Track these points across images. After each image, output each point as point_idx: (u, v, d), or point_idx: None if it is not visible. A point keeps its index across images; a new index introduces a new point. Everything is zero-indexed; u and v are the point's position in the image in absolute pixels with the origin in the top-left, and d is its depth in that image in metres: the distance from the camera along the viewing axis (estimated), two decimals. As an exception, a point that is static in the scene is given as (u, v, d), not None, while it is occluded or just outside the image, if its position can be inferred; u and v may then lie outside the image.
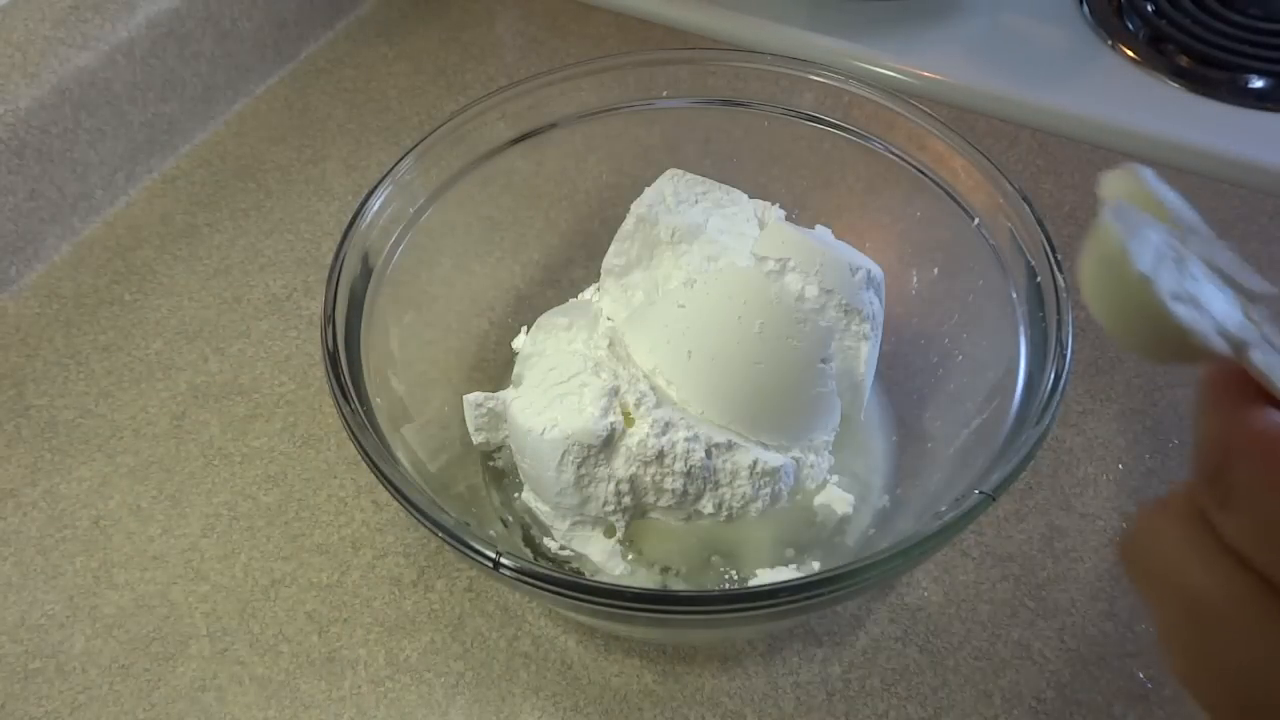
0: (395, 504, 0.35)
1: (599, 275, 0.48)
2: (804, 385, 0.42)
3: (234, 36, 0.67)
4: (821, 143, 0.48)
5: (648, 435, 0.40)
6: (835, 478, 0.45)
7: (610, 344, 0.43)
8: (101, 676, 0.44)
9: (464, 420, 0.45)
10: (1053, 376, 0.36)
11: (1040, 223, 0.40)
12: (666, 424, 0.41)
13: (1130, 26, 0.69)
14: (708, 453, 0.41)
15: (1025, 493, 0.48)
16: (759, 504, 0.42)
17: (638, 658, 0.43)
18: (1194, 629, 0.21)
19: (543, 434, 0.41)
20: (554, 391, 0.42)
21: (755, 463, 0.41)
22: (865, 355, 0.46)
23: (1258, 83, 0.64)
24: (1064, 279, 0.38)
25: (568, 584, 0.33)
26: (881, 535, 0.44)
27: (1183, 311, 0.21)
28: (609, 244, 0.47)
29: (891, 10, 0.71)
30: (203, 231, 0.61)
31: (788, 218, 0.48)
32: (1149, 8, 0.69)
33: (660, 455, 0.41)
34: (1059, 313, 0.38)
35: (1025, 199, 0.41)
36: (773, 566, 0.43)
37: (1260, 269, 0.60)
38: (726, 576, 0.43)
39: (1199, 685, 0.22)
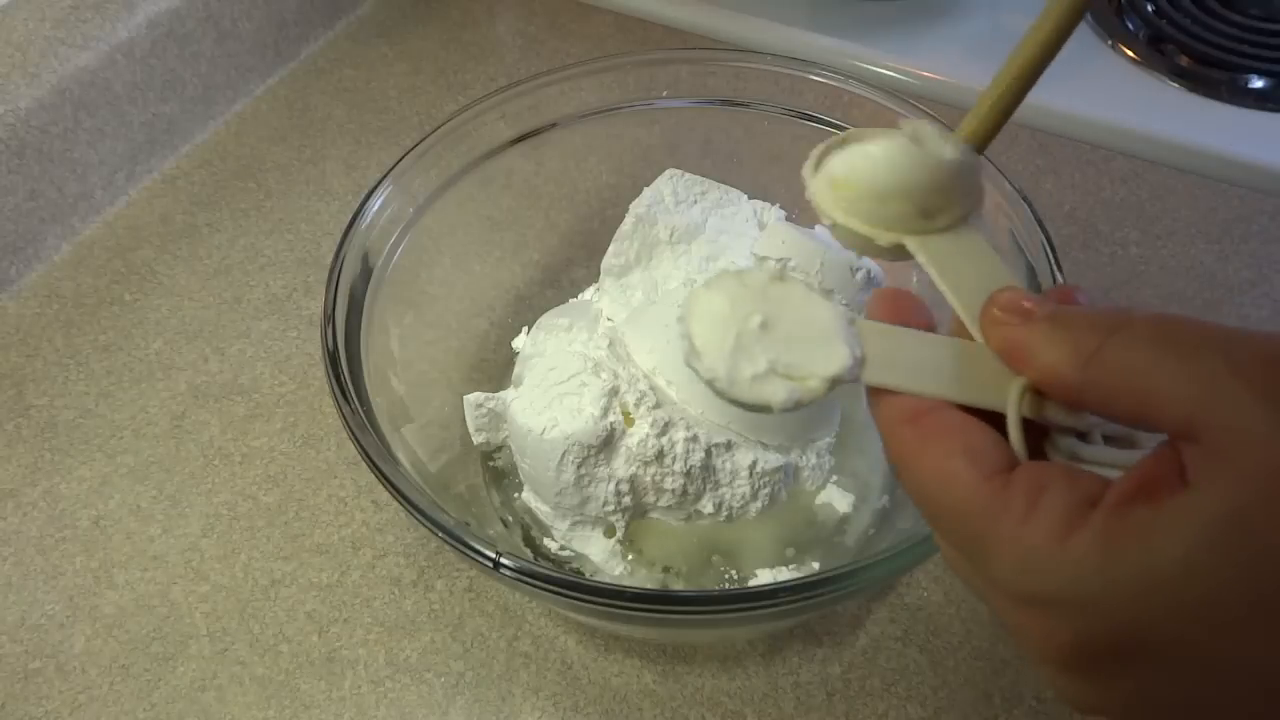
0: (395, 504, 0.35)
1: (599, 275, 0.48)
2: (804, 385, 0.42)
3: (234, 36, 0.67)
4: (821, 143, 0.48)
5: (648, 435, 0.40)
6: (835, 478, 0.45)
7: (610, 344, 0.43)
8: (101, 676, 0.44)
9: (464, 420, 0.45)
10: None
11: (1040, 223, 0.40)
12: (666, 424, 0.41)
13: (1130, 26, 0.69)
14: (708, 453, 0.41)
15: (1025, 493, 0.48)
16: (759, 504, 0.42)
17: (638, 658, 0.43)
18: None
19: (543, 434, 0.41)
20: (554, 391, 0.42)
21: (755, 463, 0.41)
22: (865, 355, 0.46)
23: (1258, 83, 0.64)
24: (1064, 279, 0.38)
25: (568, 584, 0.33)
26: (881, 535, 0.44)
27: (761, 391, 0.24)
28: (609, 244, 0.47)
29: (891, 10, 0.71)
30: (203, 231, 0.61)
31: (788, 218, 0.48)
32: (1149, 8, 0.69)
33: (660, 455, 0.41)
34: (1059, 313, 0.38)
35: (1025, 199, 0.41)
36: (773, 566, 0.43)
37: (1260, 270, 0.60)
38: (726, 576, 0.43)
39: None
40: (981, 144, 0.28)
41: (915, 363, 0.25)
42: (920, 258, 0.27)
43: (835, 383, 0.24)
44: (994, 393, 0.24)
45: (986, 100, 0.28)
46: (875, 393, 0.25)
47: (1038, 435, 0.25)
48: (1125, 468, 0.23)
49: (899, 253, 0.28)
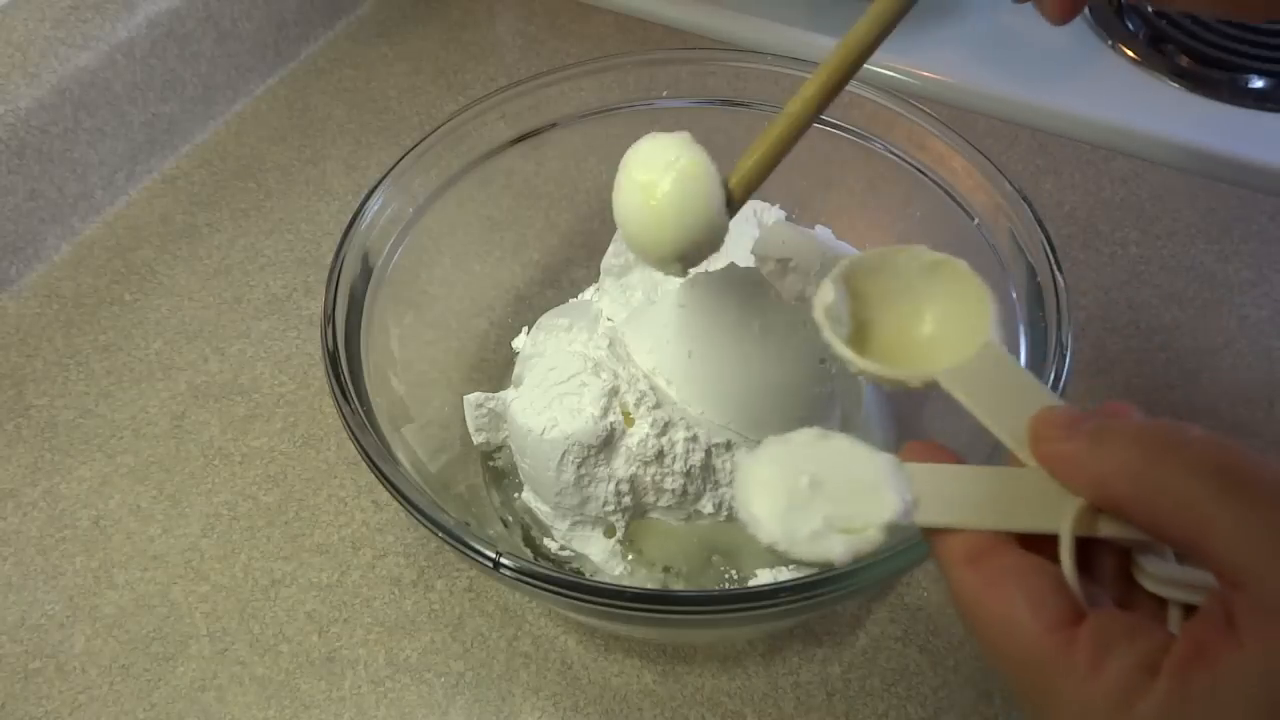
0: (395, 504, 0.35)
1: (599, 275, 0.48)
2: (803, 385, 0.42)
3: (234, 36, 0.67)
4: (821, 143, 0.48)
5: (648, 435, 0.40)
6: (835, 478, 0.45)
7: (610, 344, 0.43)
8: (101, 676, 0.44)
9: (464, 420, 0.45)
10: (1053, 376, 0.36)
11: (1040, 223, 0.40)
12: (666, 424, 0.41)
13: (1130, 26, 0.69)
14: (707, 452, 0.41)
15: (1025, 493, 0.48)
16: (759, 504, 0.42)
17: (638, 658, 0.43)
18: None
19: (543, 434, 0.41)
20: (554, 392, 0.42)
21: (755, 463, 0.41)
22: (865, 355, 0.46)
23: (1258, 83, 0.64)
24: (1064, 279, 0.38)
25: (568, 584, 0.33)
26: (881, 535, 0.44)
27: (820, 548, 0.25)
28: (609, 244, 0.47)
29: (891, 10, 0.71)
30: (203, 231, 0.61)
31: (788, 218, 0.48)
32: (1149, 8, 0.69)
33: (660, 455, 0.41)
34: (1059, 313, 0.38)
35: (1025, 199, 0.41)
36: (773, 566, 0.43)
37: (1260, 270, 0.60)
38: (726, 576, 0.43)
39: None
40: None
41: (966, 497, 0.26)
42: (955, 393, 0.28)
43: (892, 528, 0.25)
44: (1047, 518, 0.24)
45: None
46: (933, 533, 0.26)
47: (1121, 555, 0.25)
48: (1195, 587, 0.23)
49: (930, 387, 0.28)
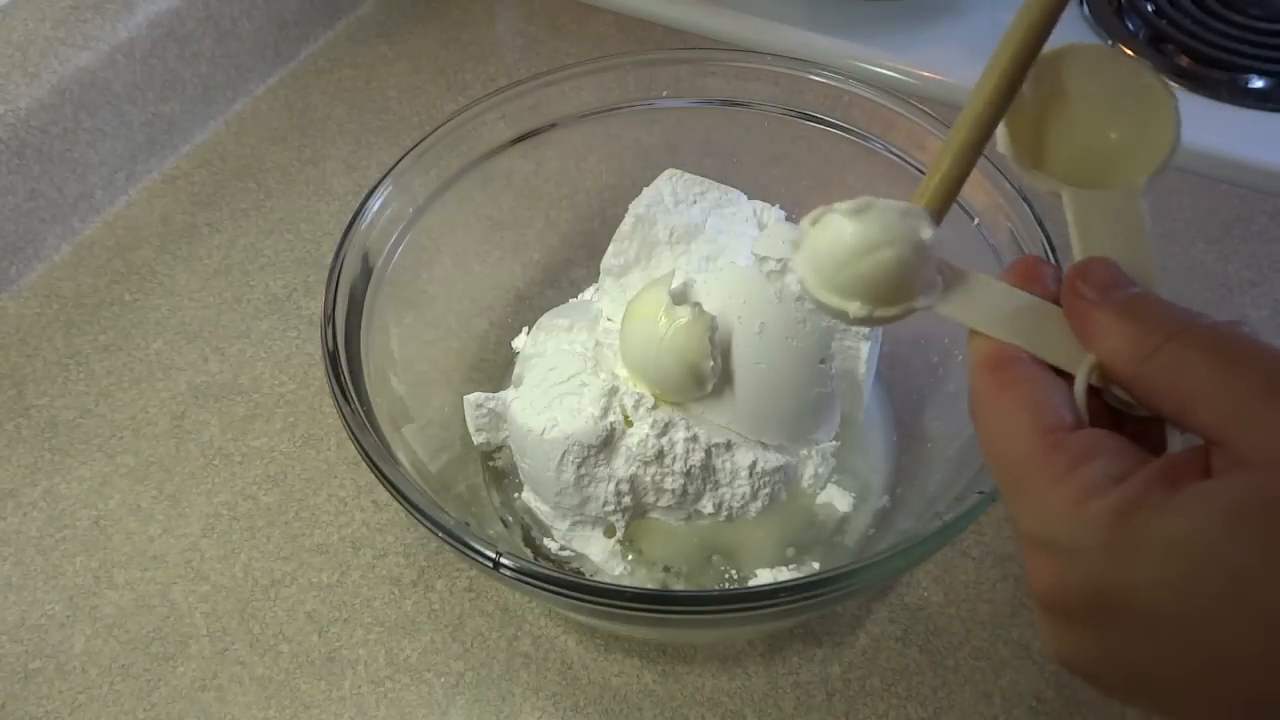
0: (395, 504, 0.35)
1: (599, 275, 0.48)
2: (804, 385, 0.42)
3: (234, 36, 0.67)
4: (821, 143, 0.48)
5: (648, 435, 0.40)
6: (835, 477, 0.45)
7: (610, 344, 0.43)
8: (101, 676, 0.44)
9: (464, 420, 0.45)
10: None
11: (1040, 223, 0.40)
12: (666, 424, 0.41)
13: (1130, 26, 0.69)
14: (707, 452, 0.41)
15: (1025, 493, 0.48)
16: (758, 504, 0.42)
17: (638, 658, 0.43)
18: None
19: (543, 434, 0.41)
20: (554, 392, 0.42)
21: (755, 463, 0.41)
22: (865, 355, 0.46)
23: (1258, 83, 0.64)
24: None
25: (568, 584, 0.33)
26: (881, 535, 0.44)
27: (842, 301, 0.26)
28: (609, 244, 0.47)
29: (891, 10, 0.71)
30: (203, 231, 0.61)
31: (787, 218, 0.48)
32: (1149, 8, 0.69)
33: (660, 455, 0.41)
34: (1059, 313, 0.38)
35: (1025, 199, 0.41)
36: (773, 566, 0.43)
37: (1260, 270, 0.59)
38: (726, 576, 0.43)
39: None
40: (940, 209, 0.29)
41: (997, 309, 0.26)
42: (1070, 212, 0.27)
43: (910, 308, 0.26)
44: (1067, 356, 0.25)
45: (937, 172, 0.28)
46: (972, 333, 0.26)
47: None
48: None
49: (1053, 194, 0.28)
